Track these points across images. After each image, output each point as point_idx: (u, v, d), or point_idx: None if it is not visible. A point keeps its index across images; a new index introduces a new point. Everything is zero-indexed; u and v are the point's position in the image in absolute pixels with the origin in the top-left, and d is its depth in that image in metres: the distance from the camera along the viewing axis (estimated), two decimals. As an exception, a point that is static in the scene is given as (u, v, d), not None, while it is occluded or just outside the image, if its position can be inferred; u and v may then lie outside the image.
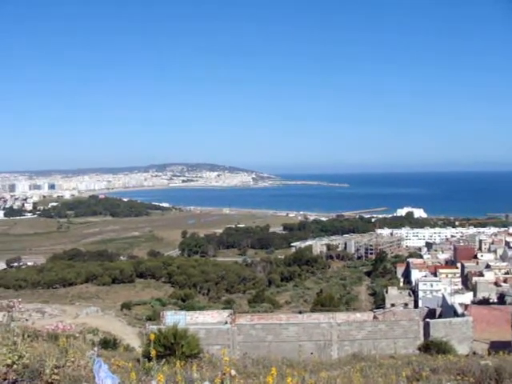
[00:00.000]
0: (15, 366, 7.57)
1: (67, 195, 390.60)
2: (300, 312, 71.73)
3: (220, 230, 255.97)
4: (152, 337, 10.62)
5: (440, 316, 44.93)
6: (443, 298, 54.96)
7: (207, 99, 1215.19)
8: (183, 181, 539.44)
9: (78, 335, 12.60)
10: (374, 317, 45.08)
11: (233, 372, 6.84)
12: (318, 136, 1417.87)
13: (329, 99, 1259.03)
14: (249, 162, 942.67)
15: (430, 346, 31.01)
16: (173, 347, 16.80)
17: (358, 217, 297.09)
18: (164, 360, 11.49)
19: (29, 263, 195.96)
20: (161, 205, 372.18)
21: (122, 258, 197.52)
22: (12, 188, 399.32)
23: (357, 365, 19.53)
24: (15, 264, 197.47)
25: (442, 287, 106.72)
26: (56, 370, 8.27)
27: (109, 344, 44.41)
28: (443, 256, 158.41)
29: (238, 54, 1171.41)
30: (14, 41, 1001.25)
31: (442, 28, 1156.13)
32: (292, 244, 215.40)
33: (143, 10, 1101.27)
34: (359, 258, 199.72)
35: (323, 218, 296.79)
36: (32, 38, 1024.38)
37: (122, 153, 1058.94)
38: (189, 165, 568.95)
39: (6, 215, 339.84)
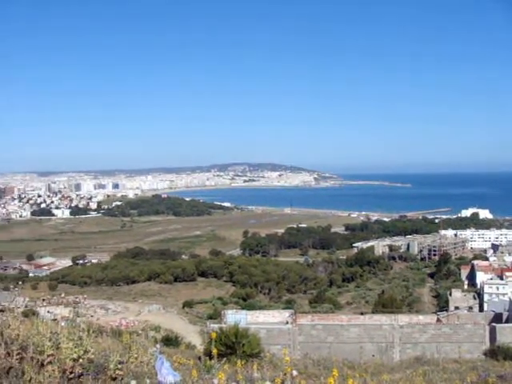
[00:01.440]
0: (81, 361, 7.69)
1: (131, 194, 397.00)
2: (361, 313, 70.96)
3: (281, 230, 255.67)
4: (213, 335, 10.65)
5: (507, 321, 43.61)
6: (510, 301, 53.26)
7: (270, 98, 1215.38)
8: (245, 180, 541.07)
9: (140, 332, 12.78)
10: (438, 320, 44.15)
11: (294, 372, 6.77)
12: (380, 135, 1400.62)
13: (390, 98, 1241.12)
14: (311, 161, 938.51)
15: (497, 352, 30.18)
16: (234, 346, 16.84)
17: (421, 217, 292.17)
18: (225, 359, 11.50)
19: (93, 261, 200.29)
20: (223, 204, 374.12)
21: (184, 256, 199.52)
22: (78, 187, 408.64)
23: (419, 368, 19.18)
24: (80, 261, 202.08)
25: (508, 291, 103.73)
26: (120, 366, 8.37)
27: (170, 341, 44.89)
28: (510, 258, 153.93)
29: (309, 52, 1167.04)
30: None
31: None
32: (354, 244, 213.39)
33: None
34: (422, 259, 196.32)
35: (385, 219, 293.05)
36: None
37: (185, 153, 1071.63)
38: (251, 165, 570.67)
39: (71, 214, 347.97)
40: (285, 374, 6.90)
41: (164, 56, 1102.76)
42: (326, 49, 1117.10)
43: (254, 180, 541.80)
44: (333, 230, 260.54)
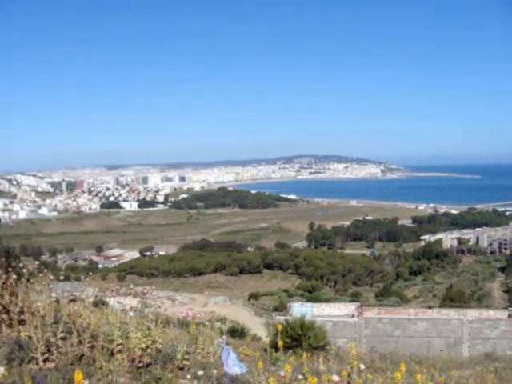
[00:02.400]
0: (149, 350, 7.84)
1: (197, 187, 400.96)
2: (429, 307, 69.86)
3: (347, 222, 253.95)
4: (279, 328, 10.68)
5: None
6: None
7: (335, 90, 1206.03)
8: (310, 173, 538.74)
9: (206, 323, 12.89)
10: (509, 315, 43.00)
11: (362, 366, 6.71)
12: (447, 125, 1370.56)
13: (459, 85, 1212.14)
14: (377, 153, 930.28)
15: None
16: (300, 338, 16.85)
17: (491, 210, 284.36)
18: (291, 351, 11.53)
19: (161, 252, 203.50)
20: (288, 197, 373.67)
21: (249, 248, 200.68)
22: (145, 181, 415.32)
23: (490, 365, 18.72)
24: (148, 253, 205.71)
25: None
26: (187, 356, 8.49)
27: (236, 333, 45.34)
28: None
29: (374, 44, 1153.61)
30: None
31: None
32: (421, 237, 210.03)
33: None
34: (492, 252, 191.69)
35: (454, 211, 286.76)
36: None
37: (251, 145, 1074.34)
38: (316, 157, 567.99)
39: (139, 206, 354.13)
40: (351, 368, 6.85)
41: (232, 48, 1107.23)
42: (386, 42, 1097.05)
43: (319, 172, 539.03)
44: (400, 222, 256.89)
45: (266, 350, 12.25)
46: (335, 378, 5.94)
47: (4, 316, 7.92)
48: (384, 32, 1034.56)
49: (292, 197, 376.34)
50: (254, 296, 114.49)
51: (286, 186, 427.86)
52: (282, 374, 6.34)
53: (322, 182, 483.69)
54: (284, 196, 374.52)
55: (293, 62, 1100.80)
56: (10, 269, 8.40)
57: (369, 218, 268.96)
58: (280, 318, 31.47)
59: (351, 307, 43.92)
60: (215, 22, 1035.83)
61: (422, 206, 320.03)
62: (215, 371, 7.35)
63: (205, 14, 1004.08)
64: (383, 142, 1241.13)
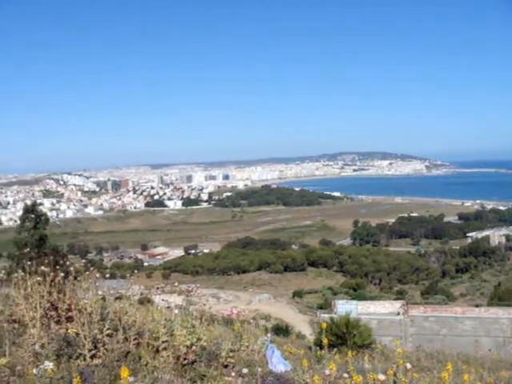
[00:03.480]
0: (194, 348, 7.88)
1: (241, 185, 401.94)
2: (477, 305, 68.67)
3: (392, 220, 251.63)
4: (324, 326, 10.62)
5: None
6: None
7: (378, 86, 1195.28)
8: (354, 170, 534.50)
9: (251, 321, 12.93)
10: (560, 314, 42.02)
11: (408, 365, 6.62)
12: (495, 120, 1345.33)
13: (505, 82, 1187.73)
14: (422, 149, 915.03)
15: None
16: (344, 337, 16.74)
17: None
18: (336, 349, 11.46)
19: (205, 250, 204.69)
20: (332, 194, 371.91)
21: (293, 246, 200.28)
22: (189, 179, 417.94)
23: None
24: (192, 251, 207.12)
25: None
26: (231, 354, 8.51)
27: (281, 331, 45.23)
28: None
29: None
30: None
31: None
32: (468, 234, 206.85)
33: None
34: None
35: (502, 207, 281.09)
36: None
37: (295, 143, 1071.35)
38: (360, 153, 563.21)
39: (183, 205, 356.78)
40: (397, 367, 6.77)
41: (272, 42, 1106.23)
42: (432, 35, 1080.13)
43: (363, 169, 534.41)
44: (445, 219, 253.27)
45: (310, 348, 12.20)
46: (381, 377, 5.88)
47: (52, 313, 8.07)
48: (437, 30, 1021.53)
49: (336, 194, 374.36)
50: (298, 294, 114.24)
51: (330, 184, 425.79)
52: (327, 372, 6.29)
53: (366, 178, 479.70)
54: (328, 193, 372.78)
55: (336, 60, 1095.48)
56: (57, 267, 8.54)
57: (414, 214, 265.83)
58: (325, 315, 31.37)
59: (396, 305, 43.51)
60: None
61: (468, 203, 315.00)
62: (260, 369, 7.35)
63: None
64: (428, 138, 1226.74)
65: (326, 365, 8.40)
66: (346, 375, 6.45)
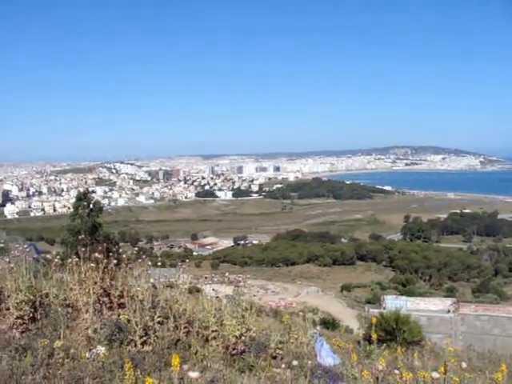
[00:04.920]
0: (243, 338, 7.92)
1: (291, 177, 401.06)
2: (530, 305, 67.06)
3: (444, 215, 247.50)
4: (374, 320, 10.53)
5: None
6: None
7: (431, 82, 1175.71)
8: (406, 164, 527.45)
9: (299, 313, 12.92)
10: None
11: (463, 364, 6.48)
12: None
13: None
14: (476, 144, 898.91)
15: None
16: (394, 332, 16.57)
17: None
18: (385, 345, 11.36)
19: (254, 242, 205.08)
20: (383, 188, 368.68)
21: (343, 240, 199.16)
22: (240, 170, 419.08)
23: None
24: (242, 242, 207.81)
25: None
26: (280, 345, 8.53)
27: (328, 324, 45.05)
28: None
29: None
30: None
31: None
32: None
33: None
34: None
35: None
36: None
37: (346, 136, 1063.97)
38: (413, 147, 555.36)
39: (234, 196, 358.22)
40: (448, 365, 6.65)
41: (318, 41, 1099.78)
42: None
43: (415, 163, 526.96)
44: (499, 216, 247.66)
45: (359, 343, 12.10)
46: (435, 375, 5.78)
47: (105, 299, 8.21)
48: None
49: (387, 188, 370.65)
50: (346, 287, 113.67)
51: (381, 177, 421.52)
52: (379, 367, 6.22)
53: (418, 173, 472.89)
54: (379, 187, 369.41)
55: (392, 54, 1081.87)
56: (110, 254, 8.68)
57: (466, 211, 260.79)
58: (374, 310, 31.10)
59: (447, 302, 42.75)
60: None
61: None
62: (310, 361, 7.33)
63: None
64: (483, 133, 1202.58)
65: (374, 360, 8.34)
66: (396, 371, 6.37)
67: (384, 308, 33.45)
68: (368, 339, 10.93)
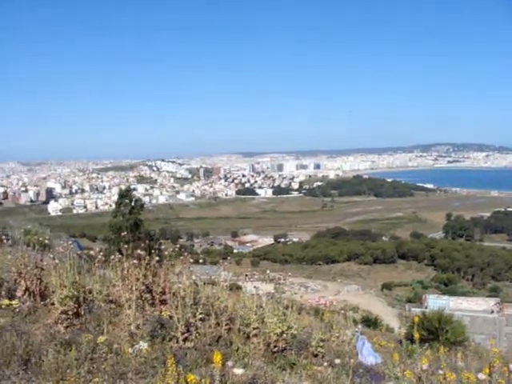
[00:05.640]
0: (284, 336, 7.92)
1: (332, 175, 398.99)
2: None
3: (487, 214, 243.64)
4: (416, 319, 10.44)
5: None
6: None
7: (473, 77, 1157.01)
8: (449, 161, 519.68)
9: (342, 311, 12.87)
10: None
11: (511, 366, 6.35)
12: None
13: None
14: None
15: None
16: (436, 332, 16.36)
17: None
18: (427, 344, 11.23)
19: (294, 239, 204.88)
20: (425, 186, 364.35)
21: (384, 238, 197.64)
22: (280, 168, 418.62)
23: None
24: (282, 240, 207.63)
25: None
26: (321, 343, 8.50)
27: (369, 323, 44.72)
28: None
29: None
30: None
31: None
32: None
33: None
34: None
35: None
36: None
37: (387, 133, 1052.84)
38: (455, 145, 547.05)
39: (274, 193, 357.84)
40: (493, 367, 6.53)
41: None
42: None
43: (458, 161, 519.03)
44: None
45: (400, 342, 12.00)
46: (481, 376, 5.68)
47: (147, 295, 8.30)
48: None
49: (429, 186, 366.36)
50: (387, 286, 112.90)
51: (423, 175, 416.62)
52: (424, 367, 6.14)
53: (461, 171, 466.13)
54: (421, 185, 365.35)
55: (430, 50, 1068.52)
56: (152, 251, 8.77)
57: (511, 209, 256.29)
58: (416, 309, 30.84)
59: (490, 302, 42.21)
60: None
61: None
62: (351, 360, 7.29)
63: None
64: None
65: (417, 359, 8.25)
66: (440, 372, 6.29)
67: (426, 307, 33.16)
68: (410, 338, 10.84)
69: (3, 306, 7.50)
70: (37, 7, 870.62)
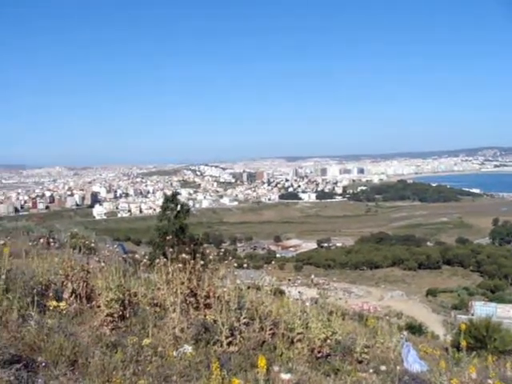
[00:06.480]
0: (328, 341, 7.87)
1: (375, 179, 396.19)
2: None
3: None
4: (463, 327, 10.24)
5: None
6: None
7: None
8: (496, 166, 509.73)
9: (386, 318, 12.73)
10: None
11: None
12: None
13: None
14: None
15: None
16: (484, 340, 16.05)
17: None
18: (474, 353, 11.03)
19: (338, 244, 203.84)
20: (471, 190, 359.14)
21: (429, 243, 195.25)
22: (323, 172, 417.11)
23: None
24: (325, 244, 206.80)
25: None
26: (366, 350, 8.42)
27: (414, 329, 44.20)
28: None
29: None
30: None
31: None
32: None
33: None
34: None
35: None
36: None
37: (432, 137, 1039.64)
38: (502, 148, 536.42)
39: (317, 198, 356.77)
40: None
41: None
42: None
43: (505, 165, 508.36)
44: None
45: (446, 350, 11.81)
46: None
47: (191, 299, 8.35)
48: None
49: (475, 191, 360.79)
50: (431, 292, 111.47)
51: (469, 180, 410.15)
52: (472, 376, 6.03)
53: (508, 175, 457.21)
54: (466, 190, 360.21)
55: (478, 52, 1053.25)
56: (197, 255, 8.82)
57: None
58: (462, 316, 30.34)
59: (540, 310, 41.27)
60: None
61: None
62: (398, 367, 7.20)
63: None
64: None
65: (464, 368, 8.10)
66: (490, 381, 6.17)
67: (472, 314, 32.64)
68: (456, 346, 10.66)
69: (51, 308, 7.62)
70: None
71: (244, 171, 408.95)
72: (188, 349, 6.79)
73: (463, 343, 8.58)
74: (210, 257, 8.78)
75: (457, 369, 8.67)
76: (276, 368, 4.75)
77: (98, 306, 7.87)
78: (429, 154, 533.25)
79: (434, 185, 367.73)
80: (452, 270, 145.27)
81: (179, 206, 34.53)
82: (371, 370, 7.30)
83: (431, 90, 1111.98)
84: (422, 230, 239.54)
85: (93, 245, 10.27)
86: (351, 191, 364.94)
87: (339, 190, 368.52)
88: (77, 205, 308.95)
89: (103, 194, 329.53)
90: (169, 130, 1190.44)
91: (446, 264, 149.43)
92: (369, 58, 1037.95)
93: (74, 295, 8.35)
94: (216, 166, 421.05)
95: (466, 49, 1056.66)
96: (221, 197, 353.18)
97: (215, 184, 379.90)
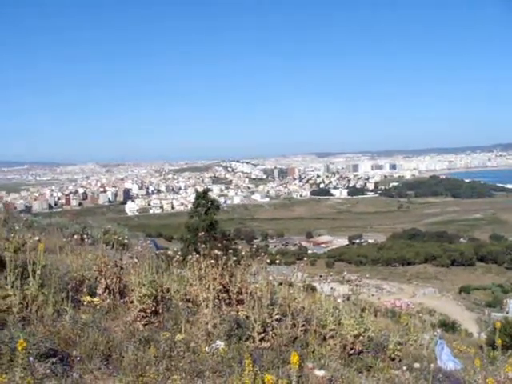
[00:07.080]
0: (361, 338, 7.84)
1: (408, 175, 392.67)
2: None
3: None
4: (498, 325, 10.11)
5: None
6: None
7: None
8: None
9: (420, 315, 12.63)
10: None
11: None
12: None
13: None
14: None
15: None
16: (520, 338, 15.86)
17: None
18: (510, 351, 10.88)
19: (369, 240, 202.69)
20: (505, 186, 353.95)
21: (462, 240, 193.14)
22: (355, 168, 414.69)
23: None
24: (357, 241, 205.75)
25: None
26: (399, 347, 8.37)
27: (447, 327, 43.83)
28: None
29: None
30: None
31: None
32: None
33: None
34: None
35: None
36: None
37: (465, 132, 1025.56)
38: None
39: (349, 194, 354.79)
40: None
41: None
42: None
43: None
44: None
45: (481, 348, 11.69)
46: None
47: (224, 295, 8.38)
48: None
49: (510, 186, 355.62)
50: (465, 289, 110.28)
51: (503, 175, 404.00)
52: (509, 375, 5.95)
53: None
54: (501, 185, 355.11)
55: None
56: (229, 251, 8.84)
57: None
58: (497, 314, 29.95)
59: None
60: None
61: None
62: (431, 365, 7.14)
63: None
64: None
65: (500, 367, 8.00)
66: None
67: (507, 312, 32.19)
68: (491, 344, 10.54)
69: (85, 303, 7.71)
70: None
71: (275, 167, 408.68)
72: (220, 344, 6.82)
73: (498, 341, 8.48)
74: (242, 253, 8.79)
75: (492, 367, 8.56)
76: (310, 364, 4.74)
77: (131, 302, 7.95)
78: (462, 149, 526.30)
79: (467, 180, 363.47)
80: (486, 267, 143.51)
81: (209, 203, 34.73)
82: (404, 368, 7.25)
83: (464, 85, 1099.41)
84: (455, 226, 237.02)
85: (126, 241, 10.36)
86: (383, 187, 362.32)
87: (371, 186, 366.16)
88: (109, 201, 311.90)
89: (135, 190, 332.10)
90: (200, 127, 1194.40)
91: (480, 261, 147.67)
92: (403, 54, 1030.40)
93: (107, 291, 8.44)
94: (247, 163, 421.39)
95: (498, 43, 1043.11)
96: (252, 193, 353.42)
97: (246, 180, 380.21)
